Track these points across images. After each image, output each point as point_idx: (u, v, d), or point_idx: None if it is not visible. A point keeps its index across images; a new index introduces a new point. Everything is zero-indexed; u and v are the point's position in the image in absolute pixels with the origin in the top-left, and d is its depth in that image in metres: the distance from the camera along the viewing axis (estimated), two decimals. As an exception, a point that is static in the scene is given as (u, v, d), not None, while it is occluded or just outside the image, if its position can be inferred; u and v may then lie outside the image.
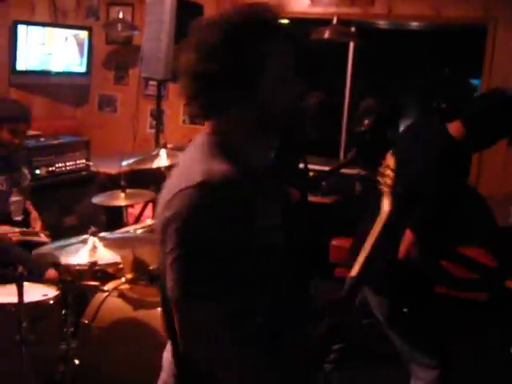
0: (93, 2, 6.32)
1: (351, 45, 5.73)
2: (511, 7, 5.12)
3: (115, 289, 2.85)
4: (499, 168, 5.27)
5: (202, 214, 1.29)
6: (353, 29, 5.61)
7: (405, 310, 2.73)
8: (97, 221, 4.34)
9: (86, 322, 2.74)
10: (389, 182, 1.71)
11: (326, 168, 4.68)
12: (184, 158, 1.44)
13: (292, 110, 1.45)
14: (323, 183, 4.56)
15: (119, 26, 5.73)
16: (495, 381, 3.87)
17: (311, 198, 4.38)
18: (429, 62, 6.57)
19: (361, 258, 1.59)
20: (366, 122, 4.00)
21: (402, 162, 2.50)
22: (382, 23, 5.86)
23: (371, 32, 6.26)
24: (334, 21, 5.02)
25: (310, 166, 4.59)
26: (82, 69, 6.09)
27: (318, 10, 5.65)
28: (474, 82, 6.08)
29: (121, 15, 5.72)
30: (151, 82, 5.47)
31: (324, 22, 5.27)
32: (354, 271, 1.58)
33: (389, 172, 1.72)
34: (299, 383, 1.50)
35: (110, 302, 2.80)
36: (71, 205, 4.57)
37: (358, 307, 1.56)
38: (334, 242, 4.83)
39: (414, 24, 5.84)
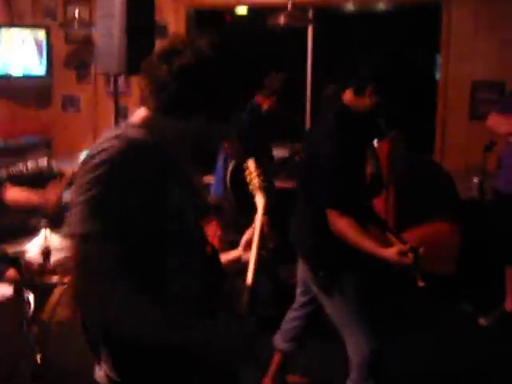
0: (49, 2, 6.27)
1: (310, 30, 5.75)
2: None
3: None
4: (463, 142, 5.33)
5: (117, 158, 1.33)
6: (310, 14, 5.63)
7: (320, 273, 2.80)
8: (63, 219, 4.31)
9: (45, 318, 2.74)
10: (257, 182, 1.88)
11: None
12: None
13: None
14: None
15: (76, 24, 5.68)
16: (465, 352, 3.93)
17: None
18: (390, 43, 6.62)
19: (252, 262, 1.63)
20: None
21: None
22: (349, 6, 5.90)
23: (331, 16, 6.30)
24: (289, 6, 5.03)
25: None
26: (42, 70, 6.03)
27: (275, -3, 5.65)
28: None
29: (77, 13, 5.68)
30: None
31: (283, 8, 5.27)
32: (249, 280, 1.60)
33: (254, 175, 1.89)
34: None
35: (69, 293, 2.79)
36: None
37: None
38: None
39: (379, 6, 5.88)
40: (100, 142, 1.38)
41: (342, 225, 2.62)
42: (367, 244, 2.61)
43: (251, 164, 1.93)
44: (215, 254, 1.65)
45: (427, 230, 4.89)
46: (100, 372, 1.48)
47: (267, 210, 1.80)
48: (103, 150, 1.34)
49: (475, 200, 4.61)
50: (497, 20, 5.13)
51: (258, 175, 1.90)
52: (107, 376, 1.46)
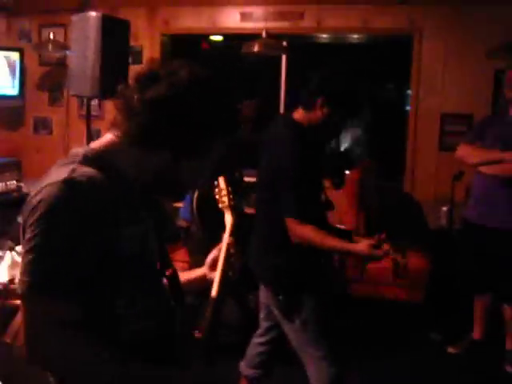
0: (24, 24, 6.27)
1: (283, 58, 5.83)
2: (434, 17, 5.32)
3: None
4: (432, 172, 5.41)
5: (61, 208, 1.28)
6: (284, 43, 5.71)
7: (280, 297, 2.78)
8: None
9: (8, 340, 2.68)
10: (226, 200, 1.91)
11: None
12: (56, 165, 1.40)
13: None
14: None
15: (50, 47, 5.67)
16: (433, 380, 3.94)
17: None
18: (362, 74, 6.72)
19: (217, 276, 1.65)
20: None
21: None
22: (324, 37, 6.01)
23: (305, 46, 6.40)
24: (263, 35, 5.10)
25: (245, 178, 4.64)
26: (15, 91, 5.99)
27: (250, 25, 5.73)
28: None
29: (51, 36, 5.67)
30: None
31: (258, 36, 5.35)
32: (214, 291, 1.61)
33: (224, 193, 1.92)
34: None
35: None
36: (3, 226, 4.46)
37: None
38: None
39: (354, 37, 6.01)
40: (45, 183, 1.31)
41: (305, 230, 2.58)
42: (335, 243, 2.59)
43: (221, 182, 1.93)
44: (175, 278, 1.62)
45: (396, 259, 4.93)
46: None
47: (235, 230, 1.80)
48: (43, 199, 1.28)
49: (444, 229, 4.66)
50: (466, 54, 5.26)
51: (228, 193, 1.90)
52: None
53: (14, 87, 5.98)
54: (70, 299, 1.29)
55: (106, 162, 1.39)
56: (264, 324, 3.16)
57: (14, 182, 4.75)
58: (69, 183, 1.29)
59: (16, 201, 4.73)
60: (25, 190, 4.80)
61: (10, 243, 2.68)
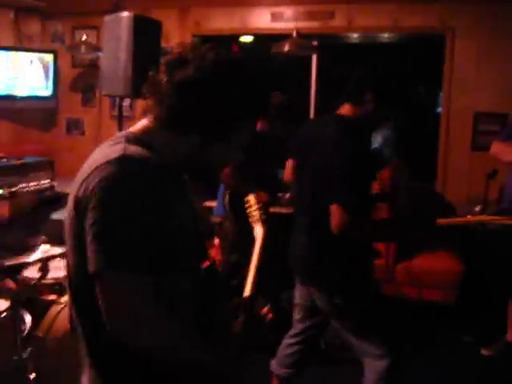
0: (57, 27, 6.37)
1: (314, 58, 5.81)
2: (466, 16, 5.25)
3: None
4: (464, 172, 5.34)
5: (122, 184, 1.28)
6: (315, 42, 5.70)
7: (338, 301, 2.74)
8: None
9: (41, 334, 2.72)
10: (257, 214, 2.01)
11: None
12: (100, 147, 1.42)
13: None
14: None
15: (83, 48, 5.75)
16: (467, 383, 3.88)
17: (274, 209, 4.37)
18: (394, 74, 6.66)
19: (249, 280, 1.71)
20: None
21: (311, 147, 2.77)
22: (355, 36, 5.99)
23: (337, 45, 6.37)
24: (294, 34, 5.10)
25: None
26: (48, 92, 6.09)
27: (280, 26, 5.73)
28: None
29: (84, 37, 5.76)
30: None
31: (288, 36, 5.34)
32: (247, 292, 1.67)
33: (254, 208, 2.03)
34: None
35: (66, 313, 2.78)
36: (37, 223, 4.53)
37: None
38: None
39: (385, 36, 5.98)
40: (100, 163, 1.31)
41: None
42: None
43: (252, 198, 2.05)
44: (213, 269, 1.63)
45: (428, 259, 4.88)
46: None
47: (266, 241, 1.90)
48: (103, 178, 1.28)
49: (476, 229, 4.59)
50: (499, 52, 5.18)
51: (258, 208, 2.01)
52: None
53: (47, 88, 6.09)
54: (149, 275, 1.28)
55: (146, 144, 1.41)
56: (299, 326, 3.11)
57: (48, 181, 4.82)
58: (126, 160, 1.31)
59: (49, 199, 4.80)
60: (57, 189, 4.88)
61: (43, 238, 2.72)
